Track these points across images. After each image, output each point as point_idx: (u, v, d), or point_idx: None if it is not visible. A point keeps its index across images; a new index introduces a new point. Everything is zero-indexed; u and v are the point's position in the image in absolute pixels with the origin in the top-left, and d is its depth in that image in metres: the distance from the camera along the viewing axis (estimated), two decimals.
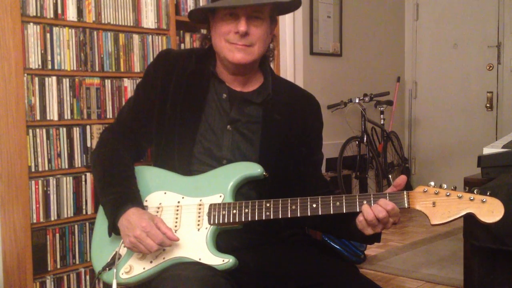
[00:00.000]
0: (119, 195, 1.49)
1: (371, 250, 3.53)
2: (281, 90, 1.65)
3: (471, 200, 1.30)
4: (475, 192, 1.31)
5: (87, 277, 2.14)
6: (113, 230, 1.47)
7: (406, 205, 1.35)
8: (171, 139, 1.58)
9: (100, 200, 1.56)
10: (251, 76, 1.63)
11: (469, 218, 1.31)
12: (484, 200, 1.29)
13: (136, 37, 2.29)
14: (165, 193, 1.53)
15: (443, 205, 1.31)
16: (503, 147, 2.16)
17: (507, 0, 5.01)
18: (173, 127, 1.58)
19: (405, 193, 1.36)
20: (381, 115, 4.78)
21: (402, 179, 1.38)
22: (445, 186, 1.34)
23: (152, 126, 1.62)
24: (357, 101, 4.45)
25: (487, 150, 2.15)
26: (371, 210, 1.35)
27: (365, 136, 4.44)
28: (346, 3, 4.84)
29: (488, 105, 5.16)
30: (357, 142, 4.44)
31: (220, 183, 1.49)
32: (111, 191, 1.51)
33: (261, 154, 1.57)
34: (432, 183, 1.35)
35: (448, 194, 1.32)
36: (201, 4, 2.54)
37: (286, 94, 1.66)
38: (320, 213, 1.38)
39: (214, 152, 1.56)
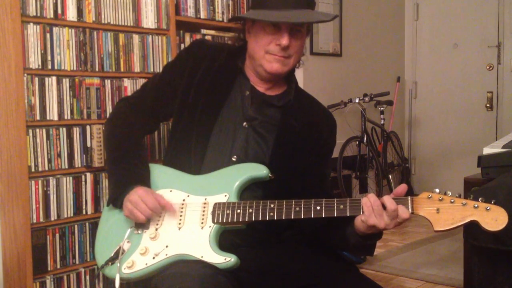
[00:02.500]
0: (129, 172, 1.56)
1: None
2: (302, 100, 1.69)
3: (475, 207, 1.29)
4: (479, 200, 1.30)
5: (87, 277, 2.14)
6: (115, 202, 1.54)
7: (410, 210, 1.33)
8: (190, 126, 1.61)
9: (107, 169, 1.63)
10: (276, 82, 1.66)
11: (473, 226, 1.30)
12: (488, 208, 1.28)
13: (136, 37, 2.28)
14: (171, 191, 1.54)
15: (447, 212, 1.31)
16: (503, 147, 2.15)
17: (507, 0, 5.01)
18: (193, 115, 1.61)
19: (409, 198, 1.35)
20: (381, 115, 4.78)
21: (403, 188, 1.38)
22: (449, 193, 1.33)
23: (171, 108, 1.67)
24: (357, 101, 4.45)
25: (487, 150, 2.15)
26: (377, 198, 1.35)
27: (365, 136, 4.44)
28: (346, 3, 4.84)
29: (488, 105, 5.16)
30: (357, 142, 4.44)
31: (226, 183, 1.51)
32: (123, 166, 1.58)
33: (272, 154, 1.58)
34: (437, 190, 1.34)
35: (452, 201, 1.31)
36: (201, 4, 2.54)
37: (307, 105, 1.69)
38: (323, 216, 1.38)
39: (226, 147, 1.58)
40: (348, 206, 1.38)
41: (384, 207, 1.33)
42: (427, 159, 5.57)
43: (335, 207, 1.38)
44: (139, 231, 1.50)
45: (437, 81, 5.48)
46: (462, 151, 5.21)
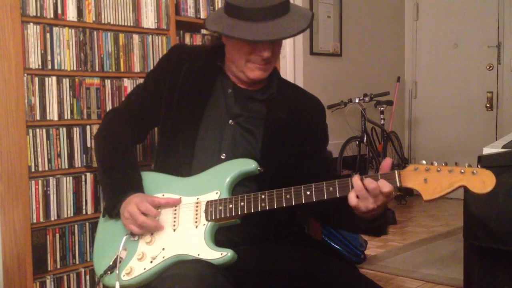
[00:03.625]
0: (121, 181, 1.56)
1: (371, 250, 3.53)
2: (286, 90, 1.68)
3: (462, 173, 1.29)
4: (466, 165, 1.31)
5: (87, 277, 2.14)
6: (111, 212, 1.55)
7: (398, 183, 1.33)
8: (176, 130, 1.62)
9: (100, 182, 1.63)
10: None
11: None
12: (474, 172, 1.28)
13: (136, 37, 2.28)
14: (163, 195, 1.55)
15: (434, 181, 1.31)
16: (503, 147, 2.15)
17: (507, 0, 5.01)
18: (178, 119, 1.62)
19: (396, 172, 1.35)
20: (381, 115, 4.79)
21: (387, 162, 1.37)
22: (435, 163, 1.34)
23: (158, 115, 1.67)
24: (357, 101, 4.45)
25: (487, 150, 2.14)
26: (360, 181, 1.34)
27: (365, 136, 4.45)
28: (346, 3, 4.84)
29: (488, 105, 5.16)
30: (357, 142, 4.45)
31: (216, 181, 1.51)
32: (114, 176, 1.58)
33: (263, 148, 1.58)
34: (424, 162, 1.35)
35: (439, 169, 1.31)
36: (201, 4, 2.54)
37: (291, 94, 1.69)
38: (314, 200, 1.38)
39: (214, 146, 1.59)
40: (337, 187, 1.37)
41: (367, 189, 1.33)
42: (427, 159, 5.54)
43: (325, 190, 1.38)
44: (135, 238, 1.51)
45: (437, 81, 5.48)
46: (462, 151, 5.22)
